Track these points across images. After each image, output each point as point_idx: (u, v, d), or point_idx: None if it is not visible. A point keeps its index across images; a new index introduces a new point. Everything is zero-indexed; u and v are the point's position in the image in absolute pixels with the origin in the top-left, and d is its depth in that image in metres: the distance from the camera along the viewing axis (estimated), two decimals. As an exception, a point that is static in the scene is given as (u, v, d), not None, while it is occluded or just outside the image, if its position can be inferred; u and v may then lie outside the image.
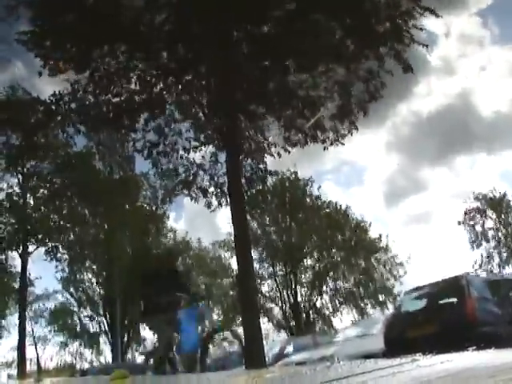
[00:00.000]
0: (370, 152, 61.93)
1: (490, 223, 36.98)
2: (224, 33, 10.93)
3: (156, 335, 8.53)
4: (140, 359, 36.06)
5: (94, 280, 33.00)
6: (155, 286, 7.76)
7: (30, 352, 30.14)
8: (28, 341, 27.70)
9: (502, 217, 36.63)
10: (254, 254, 29.85)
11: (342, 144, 12.13)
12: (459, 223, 36.76)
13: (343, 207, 34.66)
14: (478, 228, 36.88)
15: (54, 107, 11.36)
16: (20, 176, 23.24)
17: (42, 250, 23.11)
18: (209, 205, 12.39)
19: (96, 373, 18.94)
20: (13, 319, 27.43)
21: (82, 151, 23.44)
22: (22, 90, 19.93)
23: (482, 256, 36.03)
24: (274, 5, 10.76)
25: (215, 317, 33.15)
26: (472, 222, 36.87)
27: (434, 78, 57.70)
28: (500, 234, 36.57)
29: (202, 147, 12.15)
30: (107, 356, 34.16)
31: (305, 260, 34.33)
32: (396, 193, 58.05)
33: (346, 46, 10.86)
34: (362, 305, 34.05)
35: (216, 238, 37.47)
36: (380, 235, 34.44)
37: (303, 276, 34.20)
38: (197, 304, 8.55)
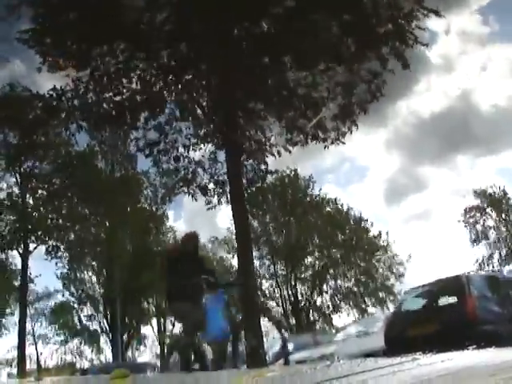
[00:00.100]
0: (370, 150, 61.96)
1: (490, 222, 37.01)
2: (224, 31, 10.92)
3: (181, 323, 7.81)
4: (146, 357, 36.23)
5: (94, 279, 33.03)
6: (179, 270, 7.17)
7: (30, 351, 30.28)
8: (28, 339, 27.80)
9: (503, 216, 36.63)
10: (255, 253, 29.83)
11: (343, 143, 12.15)
12: (459, 221, 36.81)
13: (344, 206, 34.72)
14: (479, 227, 36.90)
15: (55, 103, 11.37)
16: (18, 176, 23.20)
17: (43, 248, 23.17)
18: (208, 203, 12.41)
19: (96, 372, 18.95)
20: (13, 318, 27.48)
21: (84, 150, 23.44)
22: (22, 87, 19.89)
23: (482, 255, 36.08)
24: (274, 3, 10.75)
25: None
26: (472, 221, 36.88)
27: (435, 76, 57.67)
28: (500, 232, 36.57)
29: (202, 145, 12.17)
30: (107, 355, 34.26)
31: (305, 259, 34.34)
32: (396, 191, 58.12)
33: (346, 46, 10.85)
34: (363, 303, 34.08)
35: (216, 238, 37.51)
36: (380, 232, 34.48)
37: (303, 275, 34.22)
38: (226, 287, 7.98)
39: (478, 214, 37.02)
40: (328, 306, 34.08)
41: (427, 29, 11.27)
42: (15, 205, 22.79)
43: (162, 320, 37.34)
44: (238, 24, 11.16)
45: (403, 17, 10.71)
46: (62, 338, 35.04)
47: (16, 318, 24.66)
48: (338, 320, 34.29)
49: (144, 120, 11.80)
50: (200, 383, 4.95)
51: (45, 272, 28.72)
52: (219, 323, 7.27)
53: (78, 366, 35.18)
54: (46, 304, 34.01)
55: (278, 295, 33.95)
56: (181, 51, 11.07)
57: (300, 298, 33.66)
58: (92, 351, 36.05)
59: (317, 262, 34.24)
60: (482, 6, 59.69)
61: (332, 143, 12.17)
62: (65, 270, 31.98)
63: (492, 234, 36.67)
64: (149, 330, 38.04)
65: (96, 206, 23.96)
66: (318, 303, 34.18)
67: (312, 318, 33.97)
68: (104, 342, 34.33)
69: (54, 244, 23.16)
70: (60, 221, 23.32)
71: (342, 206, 34.66)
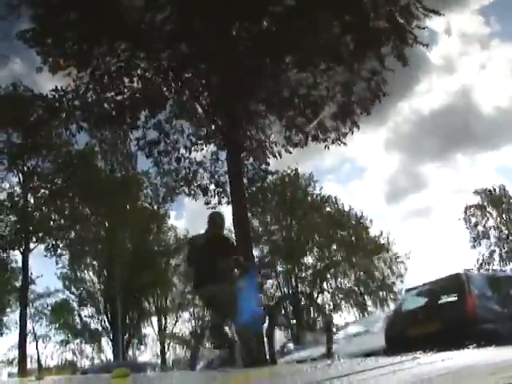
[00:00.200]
0: (371, 150, 61.95)
1: (490, 221, 37.02)
2: (225, 31, 10.93)
3: (211, 309, 7.03)
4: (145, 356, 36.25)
5: (95, 278, 33.04)
6: (205, 252, 6.60)
7: (30, 350, 30.28)
8: (29, 339, 27.78)
9: (504, 216, 36.63)
10: (255, 252, 29.82)
11: (344, 144, 12.15)
12: (459, 219, 36.83)
13: (344, 205, 34.74)
14: (479, 226, 36.91)
15: (56, 103, 11.39)
16: (21, 175, 23.22)
17: (42, 246, 23.19)
18: (208, 203, 12.42)
19: (97, 371, 18.95)
20: (14, 317, 27.47)
21: (84, 150, 23.44)
22: (24, 87, 19.91)
23: (483, 254, 36.08)
24: (275, 2, 10.75)
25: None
26: (473, 220, 36.88)
27: (435, 76, 57.66)
28: (501, 232, 36.57)
29: (204, 146, 12.19)
30: (108, 354, 34.27)
31: (305, 258, 34.35)
32: (397, 190, 58.10)
33: (345, 45, 10.86)
34: (363, 302, 34.08)
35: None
36: (381, 232, 34.50)
37: (304, 273, 34.21)
38: (258, 267, 7.37)
39: (479, 213, 37.04)
40: (329, 305, 34.08)
41: (427, 28, 11.30)
42: (17, 204, 22.80)
43: (162, 319, 37.36)
44: (238, 23, 11.16)
45: (402, 14, 10.71)
46: (63, 337, 35.04)
47: (17, 317, 24.66)
48: (338, 319, 34.29)
49: (144, 119, 11.82)
50: (200, 383, 4.95)
51: (45, 271, 28.77)
52: (254, 306, 6.59)
53: (78, 365, 35.21)
54: (46, 303, 33.98)
55: (278, 294, 33.93)
56: (181, 50, 11.07)
57: (300, 296, 33.59)
58: (93, 350, 36.06)
59: (317, 262, 34.24)
60: (484, 6, 59.70)
61: (333, 143, 12.18)
62: (65, 270, 32.02)
63: (492, 233, 36.71)
64: (149, 330, 38.09)
65: (97, 206, 23.97)
66: (319, 302, 34.16)
67: (312, 317, 33.94)
68: (105, 342, 34.39)
69: (54, 242, 23.18)
70: (61, 220, 23.34)
71: (342, 204, 34.71)
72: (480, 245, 36.52)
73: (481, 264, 34.99)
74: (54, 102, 11.47)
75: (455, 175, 57.89)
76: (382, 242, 34.34)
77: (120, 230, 27.68)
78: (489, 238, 36.59)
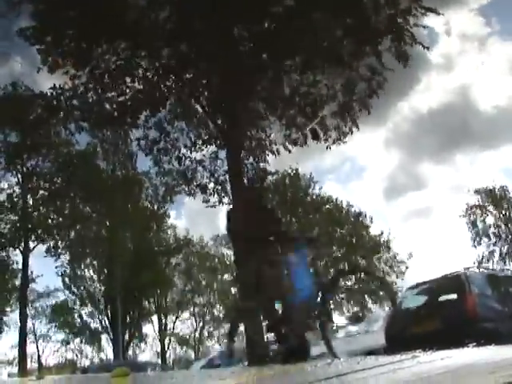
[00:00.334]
0: (370, 148, 61.97)
1: (490, 219, 37.03)
2: (226, 30, 10.92)
3: (254, 284, 5.97)
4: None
5: (95, 277, 33.04)
6: (251, 223, 5.77)
7: (31, 349, 30.30)
8: (29, 338, 27.79)
9: (503, 213, 36.64)
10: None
11: (344, 143, 12.17)
12: (460, 216, 36.88)
13: (344, 204, 34.71)
14: (479, 224, 36.92)
15: (55, 102, 11.37)
16: (20, 175, 23.18)
17: (43, 246, 23.18)
18: (206, 201, 12.44)
19: (97, 370, 18.97)
20: (14, 316, 27.48)
21: (85, 150, 23.42)
22: (24, 86, 19.89)
23: (482, 253, 36.10)
24: (275, 2, 10.76)
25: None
26: (473, 218, 36.91)
27: (435, 74, 57.63)
28: (500, 230, 36.59)
29: (203, 146, 12.20)
30: (108, 353, 34.30)
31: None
32: (396, 189, 58.11)
33: (345, 44, 10.87)
34: (363, 301, 34.05)
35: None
36: (382, 232, 34.48)
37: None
38: (309, 241, 6.23)
39: (479, 212, 37.06)
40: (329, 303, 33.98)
41: (426, 27, 11.29)
42: (16, 204, 22.79)
43: (162, 318, 37.39)
44: (239, 23, 11.16)
45: (401, 14, 10.72)
46: (63, 336, 35.07)
47: (17, 316, 24.64)
48: (338, 318, 34.29)
49: (145, 119, 11.81)
50: (200, 382, 4.95)
51: (45, 270, 28.77)
52: (305, 283, 5.65)
53: (78, 364, 35.23)
54: (46, 303, 34.01)
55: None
56: (182, 50, 11.07)
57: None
58: (93, 350, 36.10)
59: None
60: (482, 5, 59.63)
61: (333, 143, 12.19)
62: (65, 269, 32.02)
63: (492, 232, 36.71)
64: (149, 329, 38.12)
65: (97, 205, 23.96)
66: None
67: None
68: (105, 341, 34.41)
69: (54, 243, 23.19)
70: (60, 219, 23.33)
71: (341, 203, 34.67)
72: (480, 244, 36.56)
73: (479, 262, 34.97)
74: (52, 99, 11.45)
75: (454, 174, 57.93)
76: (383, 241, 34.31)
77: (120, 230, 27.67)
78: (488, 236, 36.61)
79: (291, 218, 33.35)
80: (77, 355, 36.38)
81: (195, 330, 40.76)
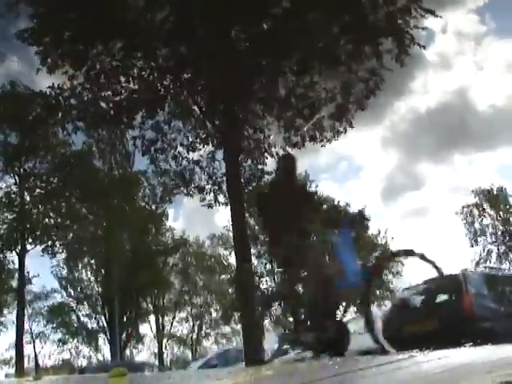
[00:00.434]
0: (368, 148, 62.06)
1: (488, 220, 37.11)
2: (224, 31, 10.92)
3: (291, 269, 5.56)
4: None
5: (92, 278, 33.01)
6: (287, 204, 5.31)
7: (28, 350, 30.22)
8: (26, 338, 27.72)
9: (501, 214, 36.72)
10: (252, 250, 29.80)
11: (336, 140, 12.25)
12: (456, 213, 36.94)
13: (341, 203, 34.68)
14: (477, 225, 37.00)
15: (53, 101, 11.37)
16: (17, 176, 23.12)
17: (39, 248, 23.12)
18: (203, 199, 12.46)
19: (94, 371, 18.96)
20: (11, 317, 27.41)
21: (81, 149, 23.39)
22: (23, 85, 19.86)
23: (480, 253, 36.16)
24: (275, 2, 10.76)
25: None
26: (470, 219, 36.98)
27: (431, 74, 57.72)
28: (498, 230, 36.66)
29: (201, 146, 12.20)
30: (106, 354, 34.25)
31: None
32: (394, 188, 58.18)
33: (343, 45, 10.88)
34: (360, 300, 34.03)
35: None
36: (379, 231, 34.51)
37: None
38: (352, 222, 5.53)
39: (476, 212, 37.14)
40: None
41: (425, 28, 11.29)
42: (13, 204, 22.74)
43: (160, 319, 37.37)
44: (237, 23, 11.16)
45: (399, 14, 10.73)
46: (60, 337, 34.99)
47: (14, 316, 24.60)
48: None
49: (141, 119, 11.81)
50: (197, 382, 4.96)
51: (42, 271, 28.71)
52: (349, 268, 5.19)
53: (76, 364, 35.16)
54: (43, 303, 33.92)
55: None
56: (180, 50, 11.06)
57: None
58: (90, 350, 36.04)
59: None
60: (479, 5, 59.70)
61: (328, 141, 12.25)
62: (62, 269, 31.99)
63: (489, 231, 36.80)
64: (147, 329, 38.09)
65: (94, 206, 23.93)
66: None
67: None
68: (102, 341, 34.37)
69: (51, 243, 23.13)
70: (58, 219, 23.29)
71: (338, 202, 34.66)
72: (477, 243, 36.63)
73: (477, 262, 35.06)
74: (50, 99, 11.44)
75: (452, 174, 58.02)
76: (380, 242, 34.33)
77: (118, 230, 27.65)
78: (486, 235, 36.70)
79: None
80: (74, 356, 36.31)
81: (192, 331, 40.77)
